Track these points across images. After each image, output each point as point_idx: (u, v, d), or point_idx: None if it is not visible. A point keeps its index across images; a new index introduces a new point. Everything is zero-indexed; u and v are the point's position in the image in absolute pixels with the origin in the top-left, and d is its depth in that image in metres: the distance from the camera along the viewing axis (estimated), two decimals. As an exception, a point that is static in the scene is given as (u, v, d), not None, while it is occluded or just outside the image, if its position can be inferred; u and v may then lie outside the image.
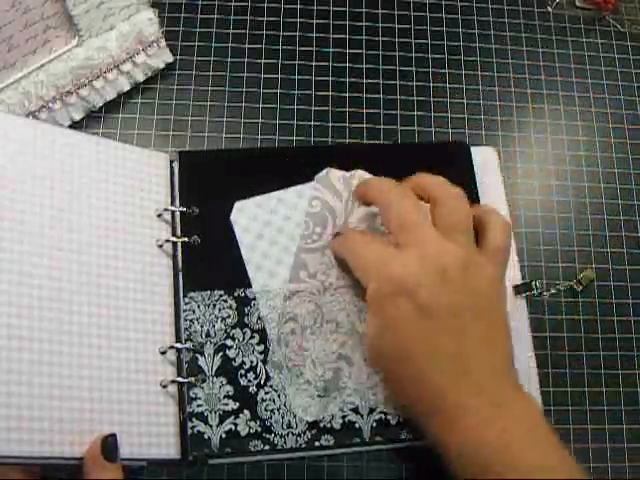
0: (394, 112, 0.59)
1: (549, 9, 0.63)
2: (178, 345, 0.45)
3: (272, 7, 0.61)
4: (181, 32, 0.59)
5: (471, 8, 0.63)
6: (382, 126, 0.58)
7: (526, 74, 0.61)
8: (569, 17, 0.63)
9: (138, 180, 0.48)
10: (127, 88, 0.56)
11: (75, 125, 0.55)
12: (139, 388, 0.43)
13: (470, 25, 0.62)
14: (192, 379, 0.44)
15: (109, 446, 0.39)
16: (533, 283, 0.52)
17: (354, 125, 0.58)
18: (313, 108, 0.58)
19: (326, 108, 0.58)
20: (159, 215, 0.48)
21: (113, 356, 0.43)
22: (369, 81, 0.59)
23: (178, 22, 0.60)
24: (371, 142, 0.58)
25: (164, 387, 0.44)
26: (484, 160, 0.55)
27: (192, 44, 0.59)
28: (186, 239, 0.47)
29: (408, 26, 0.62)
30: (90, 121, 0.56)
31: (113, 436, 0.39)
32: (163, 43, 0.56)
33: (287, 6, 0.61)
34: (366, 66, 0.60)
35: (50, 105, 0.53)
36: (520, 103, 0.60)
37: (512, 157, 0.58)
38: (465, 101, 0.60)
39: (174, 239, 0.47)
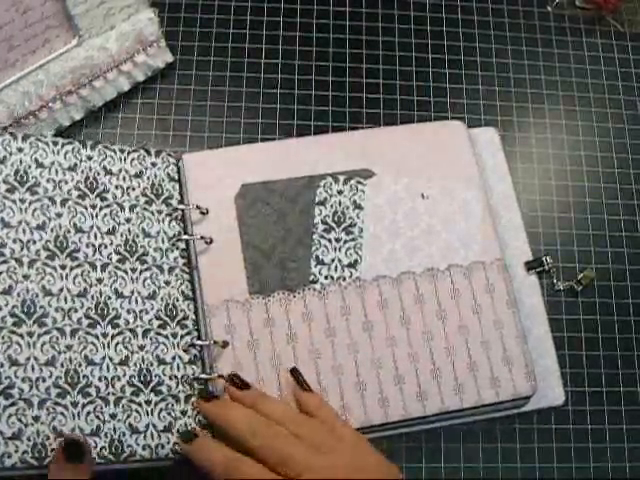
0: (394, 112, 0.59)
1: (549, 9, 0.63)
2: (199, 342, 0.45)
3: (272, 7, 0.61)
4: (181, 32, 0.59)
5: (471, 8, 0.63)
6: (382, 126, 0.58)
7: (526, 74, 0.61)
8: (569, 17, 0.63)
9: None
10: (127, 88, 0.56)
11: (75, 125, 0.55)
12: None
13: (470, 25, 0.62)
14: (214, 375, 0.45)
15: (71, 452, 0.39)
16: (544, 259, 0.52)
17: (354, 125, 0.58)
18: (313, 108, 0.58)
19: (326, 108, 0.58)
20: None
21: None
22: (369, 81, 0.59)
23: (178, 22, 0.59)
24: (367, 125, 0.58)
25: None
26: (487, 141, 0.55)
27: (192, 44, 0.59)
28: (198, 236, 0.48)
29: (408, 26, 0.62)
30: (90, 121, 0.56)
31: (76, 442, 0.39)
32: (163, 43, 0.56)
33: (287, 6, 0.61)
34: (366, 66, 0.60)
35: (50, 105, 0.53)
36: (520, 103, 0.60)
37: (512, 157, 0.58)
38: (465, 101, 0.60)
39: (186, 237, 0.48)
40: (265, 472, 0.39)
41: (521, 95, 0.60)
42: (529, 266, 0.52)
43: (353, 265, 0.48)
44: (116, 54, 0.54)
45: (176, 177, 0.50)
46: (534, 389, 0.47)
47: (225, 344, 0.46)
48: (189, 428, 0.43)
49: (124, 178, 0.48)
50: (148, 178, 0.48)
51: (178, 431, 0.43)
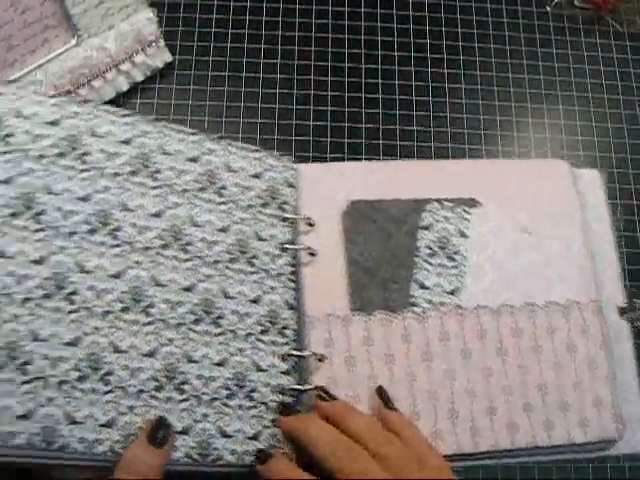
0: (393, 112, 0.59)
1: (548, 9, 0.63)
2: (298, 353, 0.45)
3: (271, 7, 0.61)
4: (180, 32, 0.59)
5: (470, 8, 0.63)
6: (381, 126, 0.58)
7: (525, 74, 0.61)
8: (568, 17, 0.63)
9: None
10: (126, 88, 0.56)
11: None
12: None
13: (469, 25, 0.62)
14: (308, 386, 0.44)
15: (155, 432, 0.39)
16: (636, 303, 0.52)
17: (353, 125, 0.58)
18: (312, 107, 0.58)
19: (325, 108, 0.58)
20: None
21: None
22: (368, 80, 0.59)
23: (177, 22, 0.60)
24: (461, 159, 0.58)
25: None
26: (589, 181, 0.55)
27: (191, 44, 0.59)
28: (302, 247, 0.47)
29: (407, 26, 0.62)
30: (89, 121, 0.56)
31: (163, 422, 0.39)
32: (162, 43, 0.56)
33: (286, 6, 0.61)
34: (365, 66, 0.60)
35: (49, 105, 0.53)
36: (519, 103, 0.60)
37: (511, 157, 0.58)
38: (464, 101, 0.60)
39: (294, 246, 0.47)
40: None
41: (520, 95, 0.60)
42: (622, 311, 0.52)
43: (454, 292, 0.48)
44: (115, 54, 0.54)
45: (293, 183, 0.49)
46: (621, 433, 0.47)
47: (323, 358, 0.45)
48: (266, 447, 0.42)
49: (244, 177, 0.47)
50: (266, 180, 0.48)
51: (265, 439, 0.42)
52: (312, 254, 0.48)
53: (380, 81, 0.59)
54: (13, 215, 0.40)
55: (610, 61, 0.62)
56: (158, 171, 0.44)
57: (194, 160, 0.46)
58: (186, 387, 0.41)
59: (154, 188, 0.44)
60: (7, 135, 0.42)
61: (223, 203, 0.46)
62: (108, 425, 0.39)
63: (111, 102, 0.56)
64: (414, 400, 0.46)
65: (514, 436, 0.46)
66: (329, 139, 0.57)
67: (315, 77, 0.59)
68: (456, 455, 0.45)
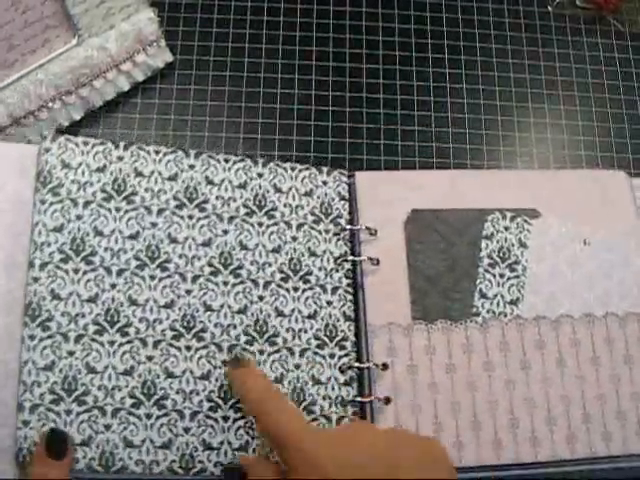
0: (394, 112, 0.59)
1: (549, 9, 0.63)
2: (359, 365, 0.45)
3: (272, 7, 0.61)
4: (181, 32, 0.59)
5: (471, 8, 0.62)
6: (382, 126, 0.58)
7: (526, 74, 0.61)
8: (569, 17, 0.63)
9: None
10: (127, 88, 0.56)
11: (74, 125, 0.55)
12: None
13: (470, 25, 0.62)
14: (373, 398, 0.44)
15: (51, 444, 0.38)
16: None
17: (354, 125, 0.58)
18: (313, 107, 0.58)
19: (326, 108, 0.58)
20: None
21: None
22: (369, 80, 0.59)
23: (178, 21, 0.59)
24: (523, 169, 0.58)
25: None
26: None
27: (192, 44, 0.59)
28: (364, 258, 0.48)
29: (408, 26, 0.61)
30: (89, 121, 0.56)
31: (57, 434, 0.39)
32: (163, 43, 0.56)
33: (287, 5, 0.61)
34: (366, 66, 0.60)
35: (50, 105, 0.53)
36: (520, 103, 0.60)
37: (512, 157, 0.58)
38: (465, 101, 0.59)
39: (354, 258, 0.47)
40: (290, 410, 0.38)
41: (521, 95, 0.60)
42: None
43: (514, 302, 0.48)
44: (116, 54, 0.54)
45: (346, 196, 0.49)
46: None
47: (385, 367, 0.45)
48: (241, 356, 0.43)
49: (293, 196, 0.47)
50: (318, 197, 0.48)
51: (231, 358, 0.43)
52: (374, 263, 0.48)
53: (381, 81, 0.59)
54: (64, 260, 0.42)
55: (612, 61, 0.62)
56: (206, 201, 0.46)
57: (242, 187, 0.47)
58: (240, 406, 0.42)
59: (201, 219, 0.45)
60: (56, 186, 0.44)
61: (274, 224, 0.46)
62: (164, 447, 0.40)
63: (112, 102, 0.56)
64: (475, 409, 0.46)
65: (573, 446, 0.46)
66: (330, 139, 0.57)
67: (316, 77, 0.59)
68: (515, 464, 0.45)
